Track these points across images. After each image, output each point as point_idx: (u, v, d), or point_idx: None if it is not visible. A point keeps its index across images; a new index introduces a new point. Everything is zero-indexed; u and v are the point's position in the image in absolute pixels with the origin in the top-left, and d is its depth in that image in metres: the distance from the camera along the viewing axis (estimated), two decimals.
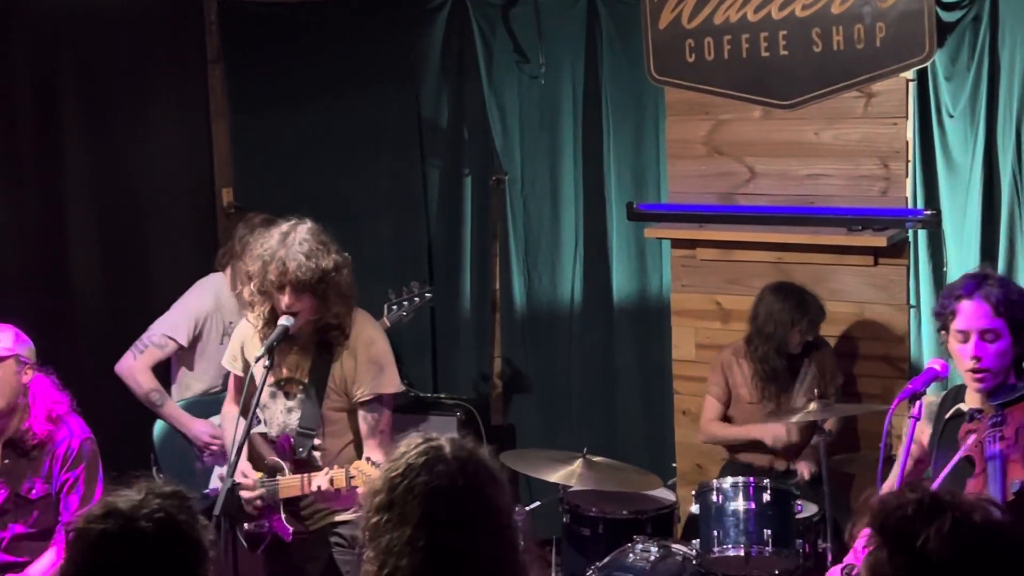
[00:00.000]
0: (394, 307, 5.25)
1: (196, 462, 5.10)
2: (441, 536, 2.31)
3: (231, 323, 5.07)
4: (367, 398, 4.02)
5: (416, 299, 5.30)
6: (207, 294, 5.17)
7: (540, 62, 5.60)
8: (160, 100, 5.93)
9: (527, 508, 4.44)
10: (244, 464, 4.10)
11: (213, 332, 5.14)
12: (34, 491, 4.31)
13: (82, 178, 5.76)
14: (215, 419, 5.07)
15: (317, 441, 4.09)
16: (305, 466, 4.07)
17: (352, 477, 3.90)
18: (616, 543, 4.50)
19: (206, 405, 5.14)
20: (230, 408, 4.36)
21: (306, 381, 4.07)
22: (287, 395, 4.11)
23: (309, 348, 4.07)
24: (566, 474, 4.51)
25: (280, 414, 4.14)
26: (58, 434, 4.29)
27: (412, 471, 2.36)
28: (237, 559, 4.16)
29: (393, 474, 2.37)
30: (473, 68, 5.81)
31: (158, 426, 5.12)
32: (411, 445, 2.43)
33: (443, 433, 2.49)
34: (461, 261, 6.05)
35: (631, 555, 4.38)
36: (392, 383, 4.07)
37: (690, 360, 5.40)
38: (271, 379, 4.05)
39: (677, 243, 5.39)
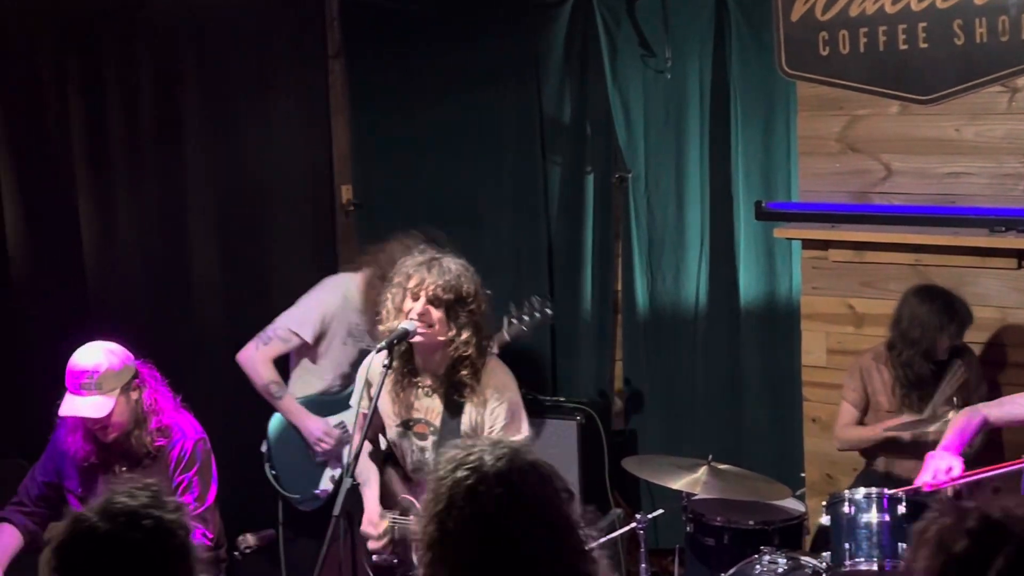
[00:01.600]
0: (514, 321, 5.23)
1: (309, 459, 5.17)
2: (504, 560, 2.27)
3: (356, 324, 5.16)
4: None
5: (537, 315, 5.29)
6: (336, 292, 5.23)
7: (666, 56, 5.56)
8: (280, 96, 6.01)
9: (649, 516, 4.39)
10: (372, 512, 4.15)
11: (338, 331, 5.19)
12: None
13: (202, 174, 5.86)
14: (332, 419, 5.14)
15: None
16: None
17: None
18: (742, 554, 4.42)
19: (323, 404, 5.20)
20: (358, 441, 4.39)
21: (437, 424, 4.09)
22: (419, 436, 4.14)
23: (439, 390, 4.08)
24: (690, 482, 4.46)
25: (415, 452, 4.16)
26: (171, 439, 4.38)
27: (457, 501, 2.30)
28: (356, 560, 4.20)
29: (439, 508, 2.32)
30: (597, 62, 5.78)
31: (274, 421, 5.19)
32: (449, 465, 2.36)
33: (476, 440, 2.46)
34: (582, 261, 6.02)
35: (758, 567, 4.31)
36: (524, 432, 4.05)
37: (821, 366, 5.30)
38: (398, 419, 4.11)
39: (808, 244, 5.30)
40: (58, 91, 5.72)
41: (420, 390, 4.10)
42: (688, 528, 4.70)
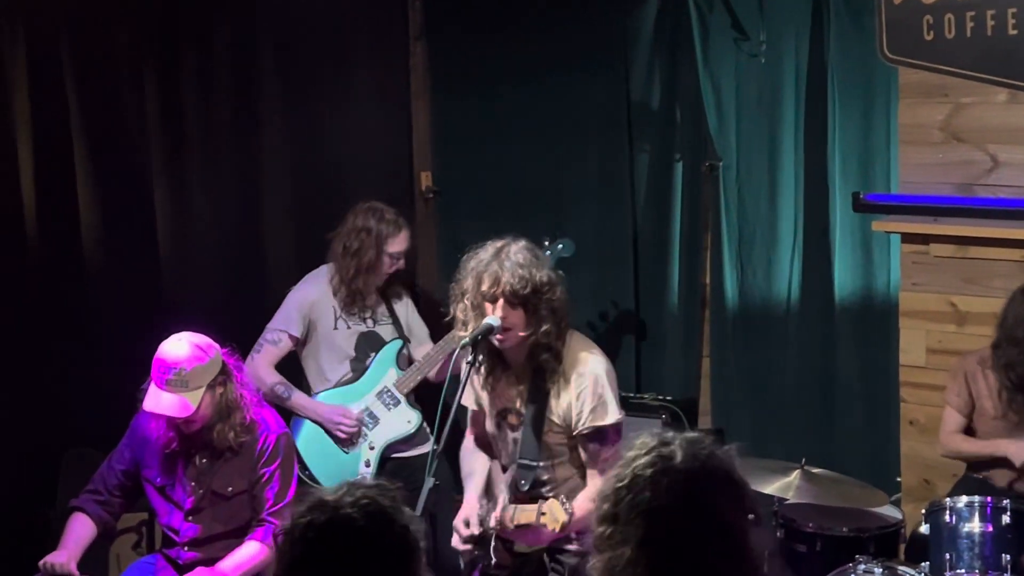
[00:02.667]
0: None
1: (338, 450, 5.23)
2: (664, 560, 2.24)
3: (342, 308, 5.26)
4: (587, 431, 3.96)
5: (548, 254, 5.17)
6: (309, 282, 5.35)
7: (760, 39, 5.47)
8: (360, 79, 5.99)
9: None
10: (467, 508, 4.11)
11: (323, 318, 5.27)
12: (230, 488, 4.39)
13: (279, 160, 5.87)
14: (355, 406, 5.24)
15: (545, 476, 4.06)
16: (529, 499, 4.02)
17: (543, 514, 3.87)
18: (836, 562, 4.34)
19: (345, 396, 5.27)
20: (468, 440, 4.36)
21: (524, 411, 4.04)
22: (511, 427, 4.10)
23: (524, 377, 4.03)
24: (782, 486, 4.37)
25: (508, 443, 4.13)
26: (255, 433, 4.38)
27: (637, 484, 2.28)
28: (438, 556, 4.18)
29: (620, 484, 2.31)
30: (688, 46, 5.70)
31: (295, 426, 5.23)
32: (642, 449, 2.34)
33: (677, 433, 2.39)
34: (669, 254, 5.94)
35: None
36: (612, 414, 3.96)
37: (919, 366, 5.17)
38: (492, 411, 4.09)
39: (908, 237, 5.18)
40: (134, 78, 5.75)
41: (509, 380, 4.06)
42: (778, 534, 4.61)
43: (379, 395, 5.27)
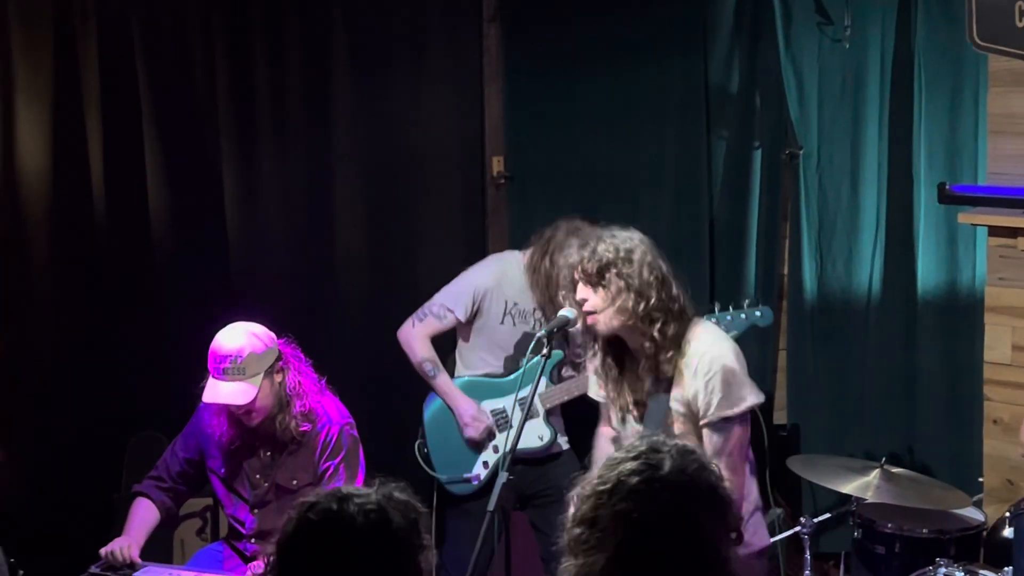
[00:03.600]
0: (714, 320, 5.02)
1: (463, 442, 5.17)
2: (639, 572, 2.22)
3: (515, 303, 5.15)
4: (713, 420, 3.86)
5: (743, 316, 5.09)
6: (492, 269, 5.24)
7: (845, 23, 5.37)
8: (432, 62, 5.98)
9: (814, 520, 4.28)
10: None
11: (493, 310, 5.18)
12: (296, 482, 4.41)
13: (349, 144, 5.89)
14: (490, 403, 5.14)
15: None
16: None
17: None
18: (914, 564, 4.31)
19: (484, 387, 5.21)
20: (601, 430, 4.31)
21: (647, 402, 3.99)
22: (635, 419, 4.04)
23: (646, 370, 3.95)
24: (861, 485, 4.33)
25: (631, 437, 4.07)
26: (317, 424, 4.39)
27: (620, 490, 2.26)
28: (510, 555, 4.17)
29: (602, 487, 2.30)
30: (769, 30, 5.62)
31: (431, 400, 5.22)
32: (630, 453, 2.33)
33: (669, 441, 2.38)
34: (746, 242, 5.88)
35: None
36: (740, 402, 3.83)
37: (1005, 363, 5.06)
38: (616, 406, 4.04)
39: (995, 231, 5.06)
40: (205, 61, 5.78)
41: (632, 372, 3.99)
42: (856, 534, 4.59)
43: (520, 401, 5.16)
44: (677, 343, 3.85)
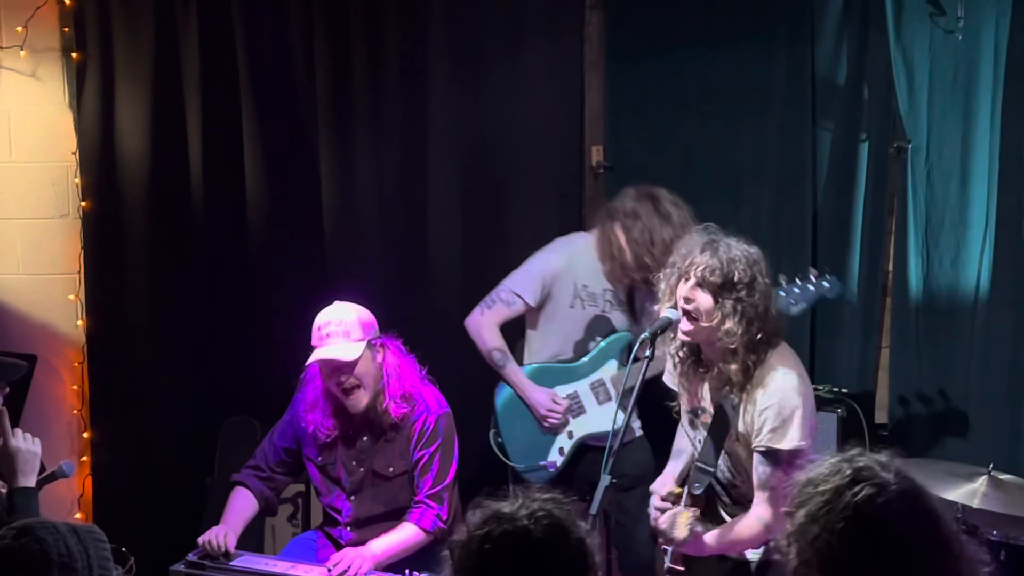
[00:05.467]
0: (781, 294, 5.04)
1: (537, 429, 5.20)
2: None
3: (584, 286, 5.16)
4: (761, 449, 3.90)
5: (811, 287, 4.99)
6: (561, 252, 5.26)
7: (959, 15, 5.31)
8: (531, 48, 5.98)
9: None
10: (664, 478, 4.18)
11: (562, 293, 5.20)
12: (391, 469, 4.47)
13: (445, 131, 5.92)
14: (562, 389, 5.17)
15: (721, 485, 4.07)
16: (702, 503, 4.01)
17: (676, 516, 3.91)
18: (1020, 573, 4.29)
19: (552, 373, 5.23)
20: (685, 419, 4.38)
21: (711, 413, 4.02)
22: (703, 426, 4.09)
23: (717, 379, 3.98)
24: (967, 492, 4.29)
25: (697, 443, 4.12)
26: (414, 411, 4.44)
27: (857, 512, 2.33)
28: (610, 559, 4.19)
29: (841, 525, 2.34)
30: (879, 18, 5.56)
31: (503, 388, 5.24)
32: (838, 473, 2.40)
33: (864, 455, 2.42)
34: (850, 237, 5.82)
35: None
36: (787, 439, 3.85)
37: None
38: (688, 407, 4.10)
39: None
40: (304, 49, 5.85)
41: (706, 380, 4.04)
42: None
43: (593, 386, 5.21)
44: (748, 370, 3.89)
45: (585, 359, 5.22)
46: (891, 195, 5.77)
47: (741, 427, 3.93)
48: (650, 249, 5.00)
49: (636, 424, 5.23)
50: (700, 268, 3.86)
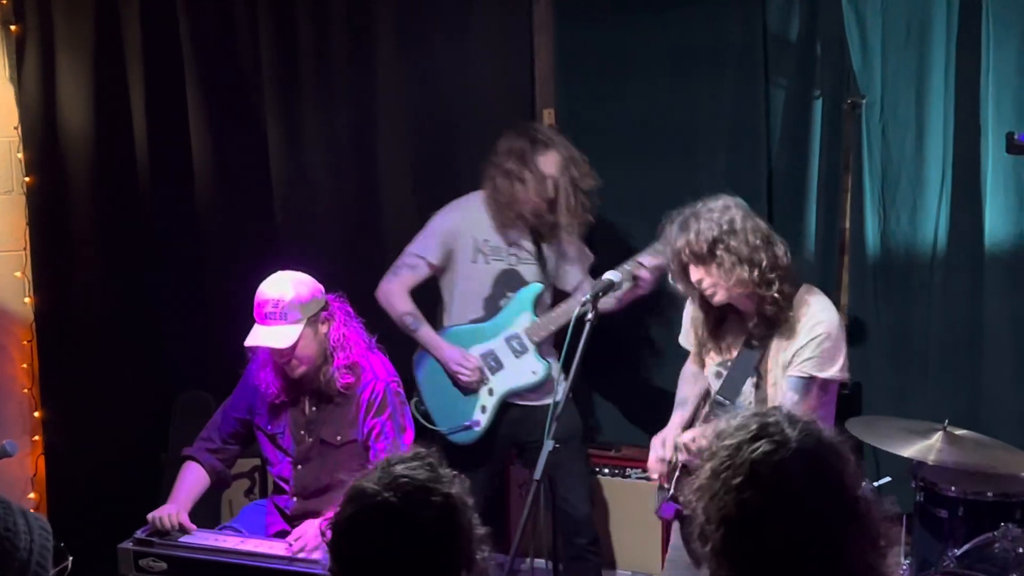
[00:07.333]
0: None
1: (457, 391, 5.27)
2: (806, 537, 2.29)
3: (486, 240, 5.26)
4: (798, 375, 4.07)
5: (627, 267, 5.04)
6: (456, 210, 5.33)
7: None
8: (481, 11, 5.96)
9: (874, 484, 4.27)
10: (668, 430, 4.33)
11: (463, 249, 5.27)
12: (339, 437, 4.47)
13: (394, 96, 5.89)
14: (478, 347, 5.26)
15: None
16: None
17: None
18: (978, 528, 4.32)
19: (475, 333, 5.30)
20: (688, 367, 4.53)
21: (737, 353, 4.20)
22: (728, 368, 4.25)
23: (746, 326, 4.18)
24: (923, 448, 4.30)
25: (714, 382, 4.29)
26: (361, 380, 4.43)
27: (760, 477, 2.31)
28: (558, 514, 4.23)
29: (737, 481, 2.32)
30: None
31: (419, 355, 5.31)
32: (745, 432, 2.37)
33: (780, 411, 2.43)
34: (806, 196, 5.83)
35: (997, 545, 4.17)
36: (828, 367, 4.09)
37: None
38: (714, 360, 4.28)
39: None
40: (248, 15, 5.81)
41: (732, 326, 4.24)
42: (918, 497, 4.57)
43: (508, 340, 5.28)
44: (790, 301, 4.07)
45: (498, 316, 5.29)
46: (846, 152, 5.75)
47: (770, 359, 4.11)
48: (529, 178, 5.13)
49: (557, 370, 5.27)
50: (685, 251, 4.05)
